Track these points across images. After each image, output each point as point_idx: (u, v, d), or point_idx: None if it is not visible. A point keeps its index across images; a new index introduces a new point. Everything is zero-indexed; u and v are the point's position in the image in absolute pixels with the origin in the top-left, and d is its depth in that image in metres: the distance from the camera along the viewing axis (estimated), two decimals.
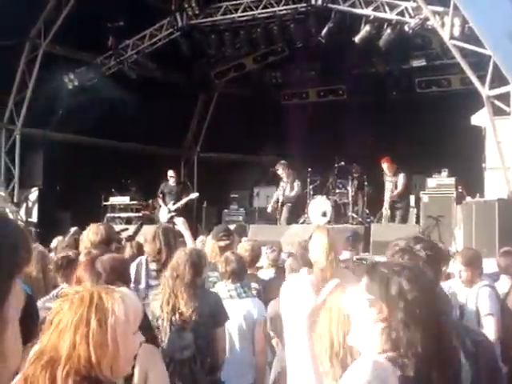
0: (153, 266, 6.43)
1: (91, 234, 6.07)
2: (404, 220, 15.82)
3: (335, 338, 4.19)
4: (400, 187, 15.64)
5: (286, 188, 16.35)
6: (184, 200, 17.00)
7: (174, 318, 5.19)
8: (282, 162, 16.64)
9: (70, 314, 2.43)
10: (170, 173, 17.44)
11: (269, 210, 16.80)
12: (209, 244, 7.49)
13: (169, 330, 5.20)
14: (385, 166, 15.84)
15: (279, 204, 16.48)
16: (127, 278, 3.98)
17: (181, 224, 7.25)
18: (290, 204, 16.37)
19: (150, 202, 18.98)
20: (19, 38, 17.53)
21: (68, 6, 17.48)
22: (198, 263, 5.38)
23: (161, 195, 17.33)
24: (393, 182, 15.71)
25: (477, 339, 3.02)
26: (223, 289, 6.02)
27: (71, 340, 2.39)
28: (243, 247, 7.35)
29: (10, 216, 16.49)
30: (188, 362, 5.14)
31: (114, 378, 2.47)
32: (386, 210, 15.91)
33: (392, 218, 15.80)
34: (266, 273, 8.03)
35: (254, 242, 7.89)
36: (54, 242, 8.60)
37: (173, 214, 16.21)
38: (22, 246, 1.42)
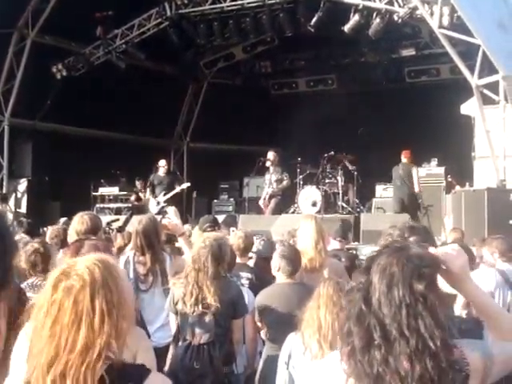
0: (140, 268, 6.35)
1: (76, 223, 6.04)
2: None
3: (323, 322, 4.23)
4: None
5: (272, 180, 16.23)
6: (176, 190, 16.94)
7: (196, 308, 5.22)
8: (273, 152, 16.52)
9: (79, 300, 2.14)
10: (162, 163, 17.26)
11: (260, 203, 16.73)
12: (195, 234, 7.47)
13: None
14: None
15: (267, 197, 16.41)
16: None
17: (172, 213, 7.19)
18: (279, 196, 16.28)
19: (137, 185, 18.94)
20: (7, 27, 17.41)
21: None
22: (218, 253, 5.40)
23: (150, 186, 17.24)
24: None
25: (462, 328, 3.05)
26: None
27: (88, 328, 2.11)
28: (236, 235, 7.34)
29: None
30: (207, 346, 5.18)
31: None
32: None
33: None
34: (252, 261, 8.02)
35: (246, 230, 7.88)
36: (49, 232, 8.56)
37: (163, 204, 16.14)
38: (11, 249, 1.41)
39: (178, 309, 5.38)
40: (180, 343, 5.39)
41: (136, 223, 6.60)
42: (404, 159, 15.50)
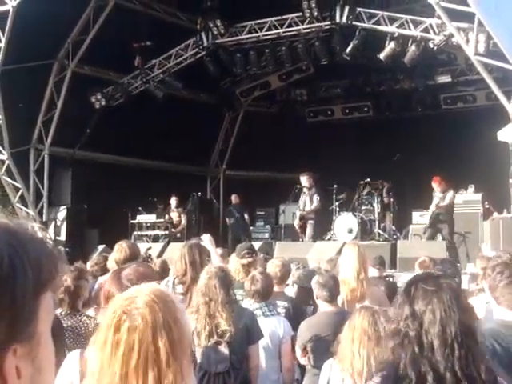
0: (179, 288, 6.26)
1: (115, 252, 6.10)
2: (450, 235, 15.34)
3: (357, 357, 4.18)
4: (447, 201, 15.37)
5: (306, 201, 16.24)
6: None
7: (211, 339, 5.17)
8: (305, 176, 16.46)
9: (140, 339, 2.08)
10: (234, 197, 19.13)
11: (295, 224, 16.73)
12: (232, 262, 7.49)
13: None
14: (435, 185, 15.53)
15: (301, 220, 16.40)
16: None
17: (207, 240, 7.14)
18: (311, 220, 16.22)
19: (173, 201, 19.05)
20: (48, 59, 17.80)
21: (95, 26, 17.76)
22: (225, 279, 5.35)
23: None
24: (441, 198, 15.43)
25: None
26: (248, 307, 5.98)
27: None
28: (273, 263, 7.35)
29: (38, 233, 16.64)
30: (222, 375, 5.16)
31: None
32: (427, 225, 15.66)
33: (435, 233, 15.51)
34: (292, 290, 8.01)
35: (283, 259, 7.88)
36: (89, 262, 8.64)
37: None
38: (46, 261, 1.40)
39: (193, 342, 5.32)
40: (196, 373, 5.34)
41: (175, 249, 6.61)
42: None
